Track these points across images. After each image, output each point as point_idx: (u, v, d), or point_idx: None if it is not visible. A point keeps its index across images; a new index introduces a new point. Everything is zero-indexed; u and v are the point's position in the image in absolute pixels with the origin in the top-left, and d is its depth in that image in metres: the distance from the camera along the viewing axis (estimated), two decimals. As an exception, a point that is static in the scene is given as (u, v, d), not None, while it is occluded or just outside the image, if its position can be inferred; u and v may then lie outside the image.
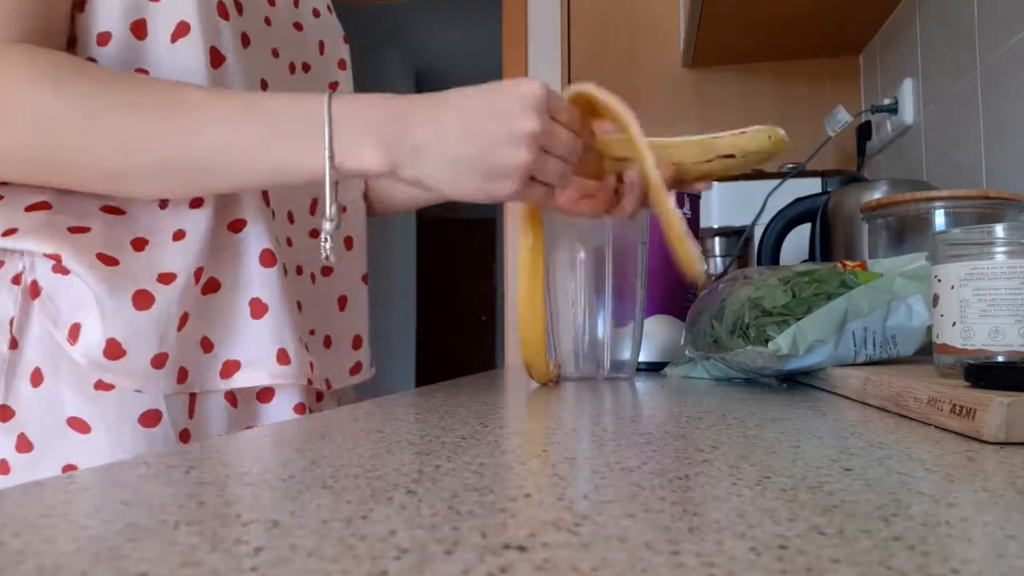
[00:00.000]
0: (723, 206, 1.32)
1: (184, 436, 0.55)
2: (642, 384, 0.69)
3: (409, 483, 0.26)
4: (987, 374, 0.39)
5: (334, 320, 0.70)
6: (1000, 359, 0.45)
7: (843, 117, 1.37)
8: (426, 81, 4.61)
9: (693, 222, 0.95)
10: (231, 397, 0.58)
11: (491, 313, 6.18)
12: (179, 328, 0.55)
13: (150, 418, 0.53)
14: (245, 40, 0.60)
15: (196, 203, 0.57)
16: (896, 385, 0.45)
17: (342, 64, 0.74)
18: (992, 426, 0.34)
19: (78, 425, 0.51)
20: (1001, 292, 0.46)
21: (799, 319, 0.60)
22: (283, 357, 0.58)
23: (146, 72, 0.55)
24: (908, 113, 1.27)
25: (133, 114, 0.49)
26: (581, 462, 0.30)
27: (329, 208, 0.52)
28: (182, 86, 0.52)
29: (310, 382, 0.61)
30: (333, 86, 0.73)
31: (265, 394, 0.60)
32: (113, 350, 0.52)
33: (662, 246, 0.92)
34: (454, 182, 0.51)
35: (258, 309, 0.58)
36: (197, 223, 0.56)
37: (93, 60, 0.54)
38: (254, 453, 0.33)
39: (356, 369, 0.72)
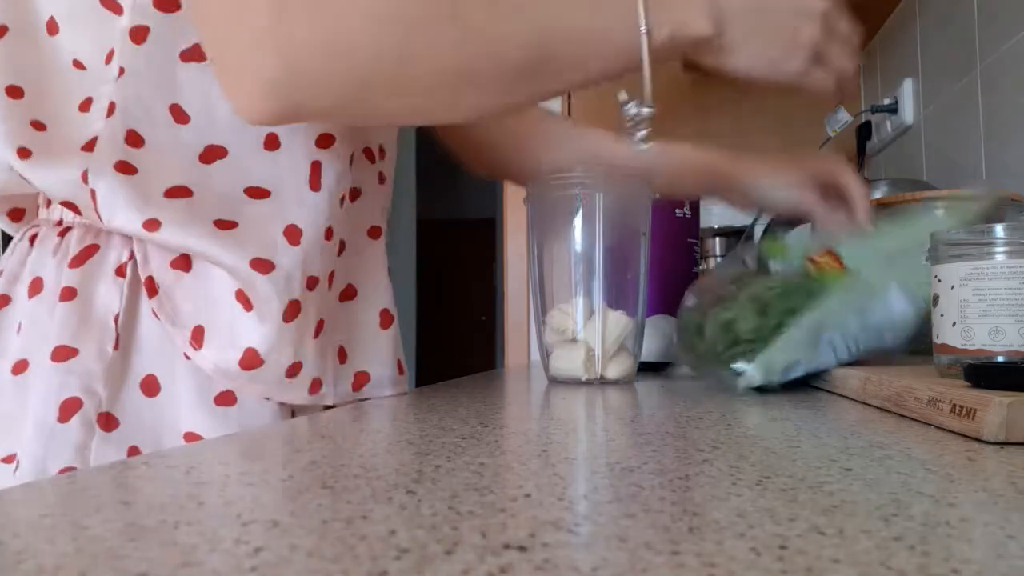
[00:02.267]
0: (723, 206, 1.32)
1: None
2: (642, 384, 0.69)
3: (409, 483, 0.26)
4: (987, 374, 0.39)
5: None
6: (1000, 359, 0.45)
7: (843, 117, 1.37)
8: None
9: (693, 223, 0.95)
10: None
11: (491, 313, 6.18)
12: (315, 336, 0.51)
13: None
14: None
15: (355, 196, 0.54)
16: (896, 385, 0.45)
17: None
18: (992, 426, 0.34)
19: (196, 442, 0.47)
20: (1001, 292, 0.46)
21: (769, 342, 0.58)
22: (400, 367, 0.58)
23: None
24: (908, 113, 1.27)
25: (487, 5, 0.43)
26: (581, 462, 0.30)
27: (647, 87, 0.50)
28: None
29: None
30: None
31: None
32: (250, 360, 0.48)
33: (663, 242, 0.92)
34: (754, 54, 0.52)
35: (387, 320, 0.57)
36: (338, 217, 0.52)
37: None
38: (254, 453, 0.33)
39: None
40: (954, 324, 0.48)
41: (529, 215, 0.75)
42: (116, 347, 0.47)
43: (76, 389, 0.45)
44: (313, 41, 0.39)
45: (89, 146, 0.46)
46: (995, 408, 0.34)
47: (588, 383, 0.68)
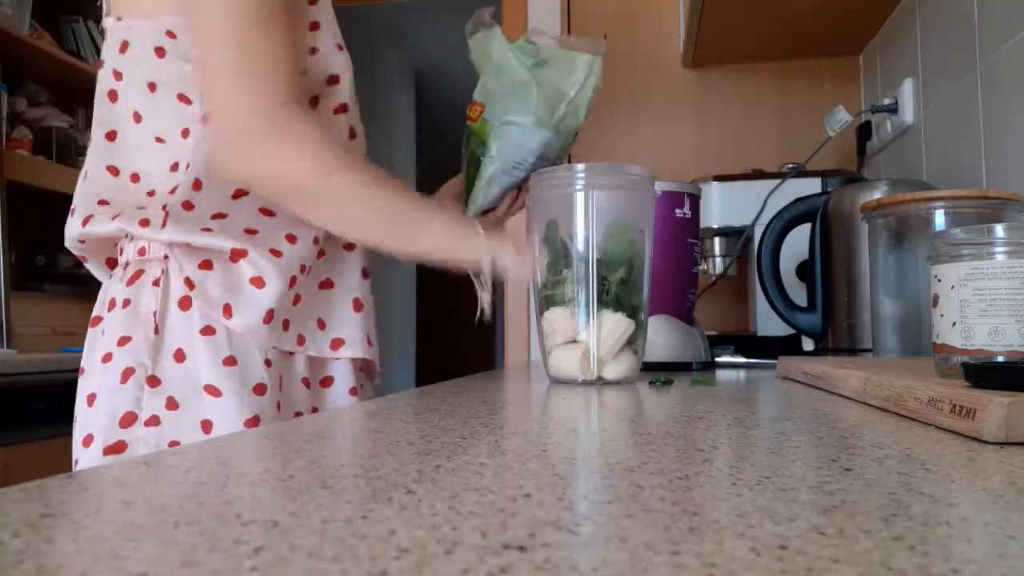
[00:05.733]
0: (723, 206, 1.32)
1: (278, 406, 0.72)
2: (642, 385, 0.69)
3: (409, 483, 0.26)
4: (987, 374, 0.39)
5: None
6: (1000, 359, 0.45)
7: (843, 117, 1.37)
8: (426, 81, 4.61)
9: (693, 223, 0.95)
10: (306, 381, 0.77)
11: (492, 313, 6.17)
12: (294, 304, 0.74)
13: (260, 389, 0.70)
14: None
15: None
16: (896, 385, 0.45)
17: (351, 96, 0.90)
18: (992, 426, 0.34)
19: (212, 391, 0.68)
20: (1001, 292, 0.46)
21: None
22: (368, 342, 0.80)
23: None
24: (908, 113, 1.27)
25: (368, 207, 0.71)
26: (581, 462, 0.30)
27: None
28: (395, 194, 0.71)
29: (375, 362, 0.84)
30: (343, 107, 0.86)
31: (327, 380, 0.79)
32: (269, 316, 0.70)
33: (663, 242, 0.92)
34: None
35: (357, 306, 0.80)
36: (324, 236, 0.77)
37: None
38: (254, 453, 0.33)
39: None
40: (954, 324, 0.48)
41: (529, 214, 0.75)
42: (156, 332, 0.68)
43: (131, 362, 0.68)
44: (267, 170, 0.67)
45: (172, 191, 0.71)
46: (995, 408, 0.34)
47: (588, 383, 0.68)
